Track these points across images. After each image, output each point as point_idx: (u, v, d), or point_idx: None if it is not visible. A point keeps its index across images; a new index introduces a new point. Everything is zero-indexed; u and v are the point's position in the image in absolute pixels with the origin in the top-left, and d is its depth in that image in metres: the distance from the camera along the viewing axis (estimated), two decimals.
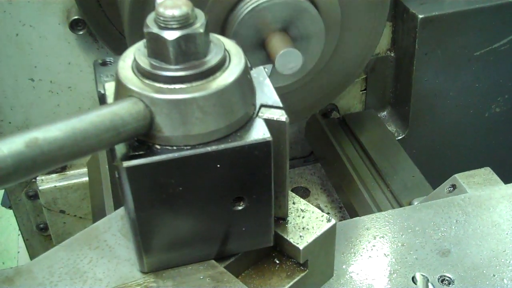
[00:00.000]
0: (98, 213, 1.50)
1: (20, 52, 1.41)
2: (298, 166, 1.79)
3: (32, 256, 1.81)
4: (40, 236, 1.75)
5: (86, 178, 1.54)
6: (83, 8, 1.34)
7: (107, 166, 1.47)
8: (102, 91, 0.76)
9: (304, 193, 1.70)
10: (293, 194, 0.83)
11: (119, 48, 1.39)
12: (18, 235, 1.97)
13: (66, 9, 1.37)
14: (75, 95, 1.50)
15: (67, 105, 1.51)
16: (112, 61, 0.81)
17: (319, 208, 1.64)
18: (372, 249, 0.98)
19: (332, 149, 1.67)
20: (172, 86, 0.64)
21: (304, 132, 1.79)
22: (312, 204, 1.69)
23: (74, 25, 1.36)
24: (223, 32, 1.12)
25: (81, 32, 1.37)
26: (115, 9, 1.31)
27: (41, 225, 1.72)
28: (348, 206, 1.59)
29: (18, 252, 2.18)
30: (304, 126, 1.77)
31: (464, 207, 1.07)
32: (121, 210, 0.82)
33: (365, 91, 1.77)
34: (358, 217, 1.06)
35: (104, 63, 0.81)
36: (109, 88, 0.74)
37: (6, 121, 1.49)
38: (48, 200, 1.62)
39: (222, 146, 0.65)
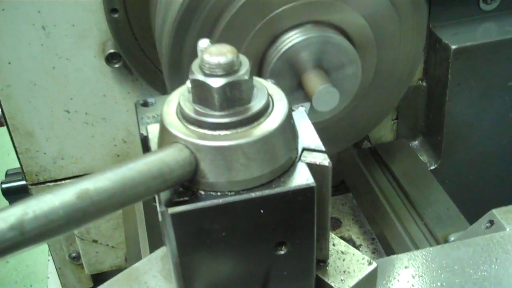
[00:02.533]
0: (131, 243, 1.50)
1: (57, 84, 1.43)
2: None
3: (64, 285, 1.82)
4: (72, 265, 1.76)
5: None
6: (119, 41, 1.35)
7: None
8: (145, 133, 0.76)
9: (335, 224, 1.68)
10: (333, 235, 0.83)
11: (155, 81, 1.41)
12: (48, 260, 1.99)
13: (101, 42, 1.39)
14: (109, 126, 1.52)
15: (101, 136, 1.53)
16: (153, 102, 0.82)
17: (351, 240, 1.62)
18: None
19: (364, 180, 1.66)
20: (217, 133, 0.64)
21: (335, 161, 1.78)
22: (344, 235, 1.68)
23: (109, 58, 1.38)
24: (260, 70, 1.13)
25: (116, 65, 1.39)
26: (151, 43, 1.33)
27: (73, 254, 1.73)
28: (381, 238, 1.57)
29: (48, 277, 2.19)
30: (335, 155, 1.77)
31: (503, 245, 1.05)
32: (160, 251, 0.82)
33: (396, 120, 1.76)
34: (395, 255, 1.05)
35: (145, 104, 0.82)
36: (152, 130, 0.75)
37: (42, 151, 1.51)
38: (81, 230, 1.63)
39: (266, 192, 0.65)
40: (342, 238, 1.62)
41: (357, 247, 1.60)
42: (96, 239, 1.66)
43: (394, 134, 1.78)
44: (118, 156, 1.56)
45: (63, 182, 1.57)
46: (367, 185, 1.64)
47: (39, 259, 3.17)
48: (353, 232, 1.65)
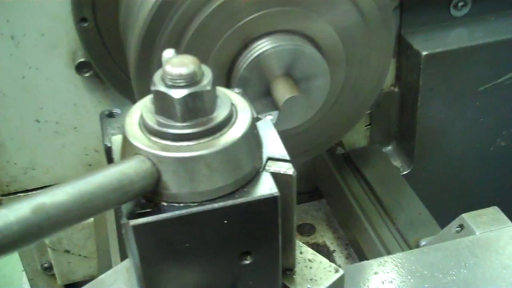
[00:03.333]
0: (103, 252, 1.49)
1: (27, 94, 1.41)
2: (303, 202, 1.78)
3: None
4: (45, 275, 1.74)
5: (91, 218, 1.53)
6: (89, 50, 1.34)
7: None
8: (109, 144, 0.76)
9: (309, 230, 1.68)
10: (301, 244, 0.83)
11: (126, 90, 1.40)
12: (22, 271, 1.97)
13: (72, 52, 1.38)
14: (80, 135, 1.51)
15: (72, 145, 1.51)
16: (118, 112, 0.81)
17: (325, 245, 1.63)
18: None
19: (337, 186, 1.67)
20: (179, 144, 0.64)
21: (309, 167, 1.79)
22: (318, 241, 1.68)
23: (80, 68, 1.37)
24: (229, 78, 1.12)
25: (87, 75, 1.38)
26: (121, 52, 1.32)
27: (46, 265, 1.70)
28: (354, 243, 1.58)
29: None
30: (310, 161, 1.77)
31: (472, 249, 1.06)
32: (126, 262, 0.81)
33: (369, 126, 1.77)
34: (365, 261, 1.05)
35: (110, 115, 0.82)
36: (116, 141, 0.74)
37: (12, 162, 1.49)
38: (53, 240, 1.61)
39: (230, 202, 0.65)
40: (316, 244, 1.64)
41: (331, 252, 1.60)
42: (68, 249, 1.64)
43: (368, 140, 1.78)
44: (90, 165, 1.55)
45: (34, 192, 1.55)
46: (340, 191, 1.65)
47: (15, 270, 3.12)
48: (327, 238, 1.65)
